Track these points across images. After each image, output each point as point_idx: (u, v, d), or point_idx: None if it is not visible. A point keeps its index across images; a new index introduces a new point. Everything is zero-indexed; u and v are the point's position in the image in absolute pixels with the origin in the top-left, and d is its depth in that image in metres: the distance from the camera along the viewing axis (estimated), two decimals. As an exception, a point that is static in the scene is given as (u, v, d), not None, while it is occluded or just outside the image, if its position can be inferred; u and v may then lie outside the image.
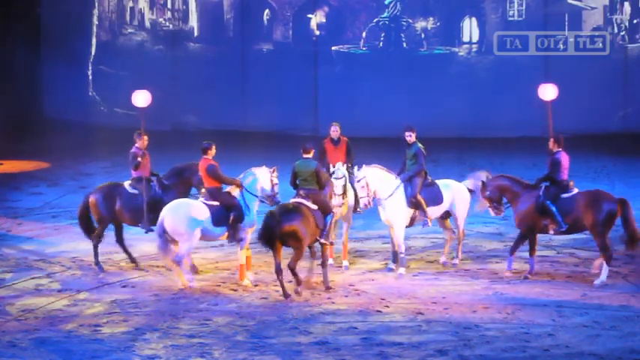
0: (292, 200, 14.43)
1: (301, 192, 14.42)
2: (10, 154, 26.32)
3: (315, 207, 14.29)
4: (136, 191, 15.54)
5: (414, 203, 15.21)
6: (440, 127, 28.48)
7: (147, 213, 15.37)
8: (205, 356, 11.81)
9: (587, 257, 16.12)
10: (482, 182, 15.32)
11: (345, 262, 15.72)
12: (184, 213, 14.43)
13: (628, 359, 11.58)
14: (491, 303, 13.71)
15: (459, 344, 12.08)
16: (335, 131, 15.82)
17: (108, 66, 31.03)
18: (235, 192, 14.85)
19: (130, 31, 31.08)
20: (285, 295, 13.97)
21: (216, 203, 14.61)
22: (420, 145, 15.43)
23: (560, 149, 14.93)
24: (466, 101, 28.98)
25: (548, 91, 15.84)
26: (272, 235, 13.87)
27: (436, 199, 15.43)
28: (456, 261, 15.66)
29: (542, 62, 29.07)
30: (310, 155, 14.61)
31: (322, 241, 14.39)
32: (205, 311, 13.51)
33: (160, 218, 14.52)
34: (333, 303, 13.80)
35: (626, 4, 28.92)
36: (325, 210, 14.44)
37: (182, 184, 15.65)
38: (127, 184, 15.70)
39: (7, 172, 24.77)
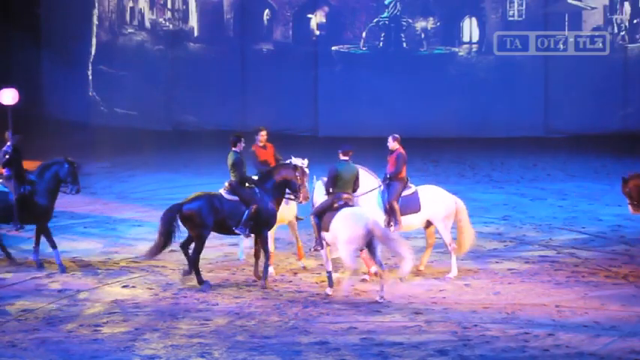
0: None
1: (226, 183, 14.86)
2: (10, 154, 26.25)
3: (234, 198, 14.68)
4: (6, 190, 15.69)
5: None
6: (440, 127, 28.52)
7: (17, 211, 15.53)
8: (205, 356, 11.80)
9: (587, 257, 16.12)
10: (623, 178, 15.31)
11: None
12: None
13: (628, 359, 11.58)
14: (491, 303, 13.70)
15: (458, 344, 12.07)
16: (389, 143, 15.86)
17: (108, 66, 30.99)
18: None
19: (130, 31, 31.05)
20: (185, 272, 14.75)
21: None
22: (357, 170, 14.58)
23: None
24: (466, 101, 28.97)
25: None
26: (170, 217, 14.45)
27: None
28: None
29: (542, 62, 29.07)
30: (237, 149, 14.89)
31: (237, 231, 14.71)
32: (205, 311, 13.51)
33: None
34: (333, 303, 13.80)
35: (626, 4, 28.90)
36: (246, 202, 14.64)
37: (51, 180, 15.75)
38: None
39: (7, 172, 24.70)
